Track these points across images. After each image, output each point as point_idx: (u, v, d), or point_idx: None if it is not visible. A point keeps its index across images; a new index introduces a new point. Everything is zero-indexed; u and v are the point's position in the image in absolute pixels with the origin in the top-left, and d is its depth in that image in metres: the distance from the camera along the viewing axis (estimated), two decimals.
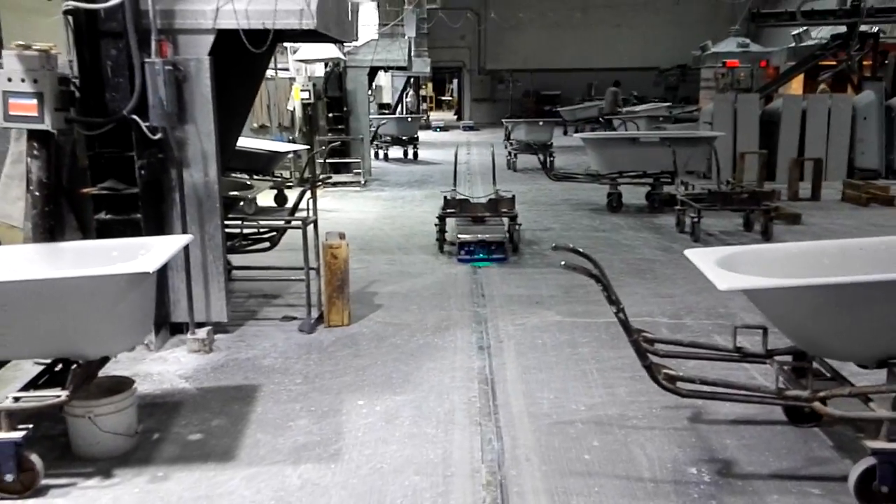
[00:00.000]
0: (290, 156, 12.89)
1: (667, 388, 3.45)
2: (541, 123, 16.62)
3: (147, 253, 3.72)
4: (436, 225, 8.30)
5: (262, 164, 11.10)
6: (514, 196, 8.46)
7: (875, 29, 19.06)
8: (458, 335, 5.55)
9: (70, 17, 5.01)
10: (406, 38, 19.16)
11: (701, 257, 3.60)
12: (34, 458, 3.39)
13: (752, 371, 4.65)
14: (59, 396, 3.45)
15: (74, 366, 3.48)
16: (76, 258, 3.88)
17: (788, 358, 3.81)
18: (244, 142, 9.62)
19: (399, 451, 3.80)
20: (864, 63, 17.34)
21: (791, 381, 3.52)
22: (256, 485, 3.48)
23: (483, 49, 33.15)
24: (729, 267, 3.54)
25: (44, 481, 3.44)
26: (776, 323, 3.45)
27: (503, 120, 18.38)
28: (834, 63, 17.42)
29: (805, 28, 20.15)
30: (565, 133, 24.22)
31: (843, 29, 16.45)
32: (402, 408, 4.30)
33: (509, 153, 16.44)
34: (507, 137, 17.11)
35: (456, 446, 3.84)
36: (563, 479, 3.51)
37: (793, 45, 21.10)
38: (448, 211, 8.36)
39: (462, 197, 8.56)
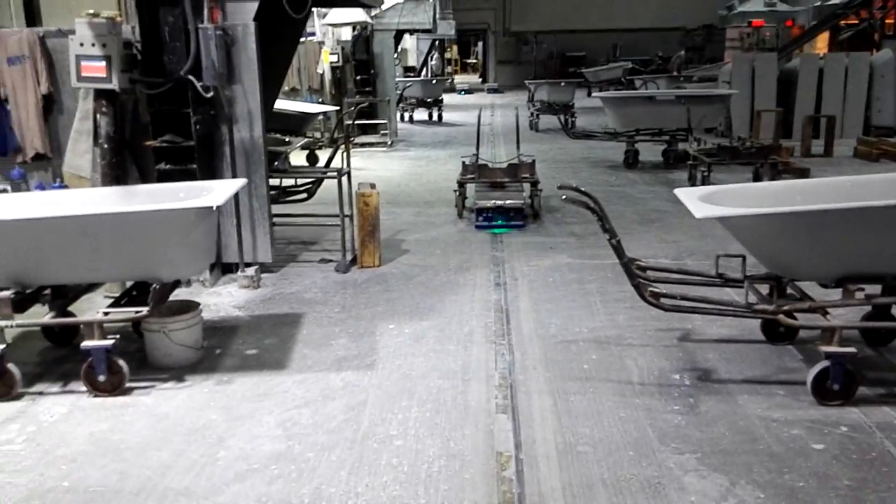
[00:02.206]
0: (321, 117, 13.47)
1: (652, 304, 4.03)
2: (563, 84, 17.00)
3: (209, 193, 4.35)
4: (455, 191, 8.28)
5: (295, 124, 11.69)
6: (534, 161, 8.43)
7: None
8: (478, 274, 6.16)
9: None
10: (431, 1, 19.52)
11: (686, 193, 4.15)
12: (121, 362, 4.08)
13: (732, 294, 5.16)
14: (140, 311, 4.12)
15: (153, 287, 4.14)
16: (149, 198, 4.52)
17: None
18: (278, 104, 10.22)
19: (425, 362, 4.44)
20: (887, 21, 17.43)
21: (763, 300, 4.09)
22: (306, 386, 4.15)
23: (508, 11, 33.25)
24: (711, 201, 4.09)
25: (128, 384, 4.14)
26: (748, 248, 4.00)
27: (526, 82, 18.75)
28: (856, 21, 17.53)
29: None
30: (589, 94, 24.45)
31: None
32: (428, 330, 4.94)
33: (532, 114, 16.87)
34: (531, 99, 17.52)
35: (473, 359, 4.47)
36: (563, 383, 4.13)
37: (818, 3, 21.11)
38: (467, 177, 8.32)
39: (482, 162, 8.53)
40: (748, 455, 3.39)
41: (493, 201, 7.65)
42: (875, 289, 4.11)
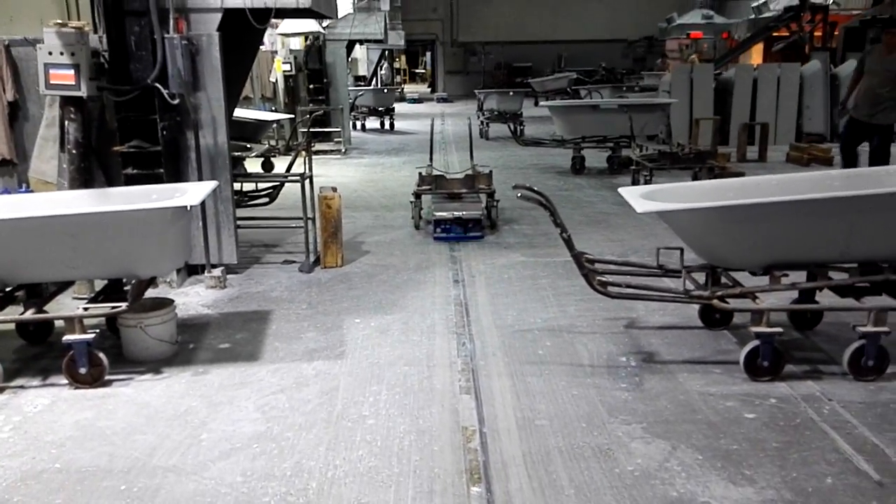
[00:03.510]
0: (275, 125, 13.63)
1: (600, 291, 4.41)
2: (511, 94, 17.46)
3: (182, 195, 4.57)
4: (411, 202, 8.21)
5: (250, 132, 11.84)
6: (491, 172, 8.37)
7: (830, 1, 20.08)
8: (437, 272, 6.47)
9: None
10: (381, 11, 19.82)
11: (629, 192, 4.53)
12: (101, 355, 4.27)
13: (672, 283, 5.54)
14: (119, 307, 4.32)
15: (133, 283, 4.34)
16: (124, 199, 4.71)
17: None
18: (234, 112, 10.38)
19: (391, 351, 4.73)
20: (816, 34, 18.40)
21: (699, 287, 4.49)
22: (280, 374, 4.39)
23: (455, 21, 33.79)
24: (652, 199, 4.48)
25: (106, 377, 4.32)
26: (685, 240, 4.40)
27: (475, 91, 19.18)
28: (787, 34, 18.44)
29: (764, 1, 21.17)
30: (536, 104, 25.02)
31: (796, 1, 17.47)
32: (392, 324, 5.22)
33: (482, 122, 17.29)
34: (480, 108, 17.94)
35: (437, 348, 4.78)
36: (521, 366, 4.46)
37: (752, 16, 22.10)
38: (423, 188, 8.19)
39: (438, 173, 8.43)
40: (688, 424, 3.76)
41: (451, 212, 7.55)
42: (801, 276, 4.57)
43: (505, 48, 33.46)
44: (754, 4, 21.71)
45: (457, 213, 7.55)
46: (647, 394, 4.10)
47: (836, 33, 18.71)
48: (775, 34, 18.97)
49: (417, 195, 8.19)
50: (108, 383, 4.30)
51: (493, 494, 3.19)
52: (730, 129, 14.30)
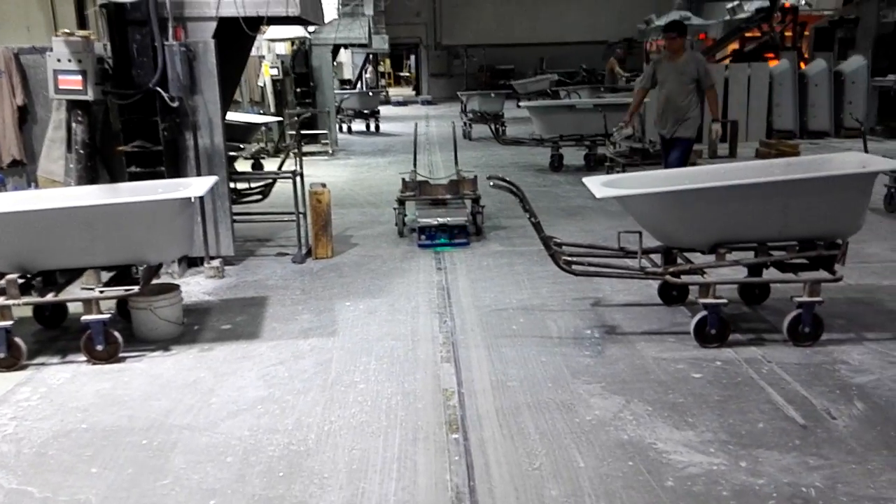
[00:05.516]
0: (263, 128, 14.07)
1: (565, 270, 4.91)
2: (493, 95, 17.98)
3: (187, 188, 5.02)
4: (395, 209, 8.03)
5: (240, 134, 12.27)
6: (476, 177, 8.07)
7: (803, 2, 20.72)
8: (421, 262, 6.95)
9: (104, 9, 6.24)
10: (365, 16, 20.30)
11: (592, 180, 5.03)
12: (116, 333, 4.72)
13: (631, 263, 6.04)
14: (131, 290, 4.77)
15: (143, 268, 4.79)
16: (132, 193, 5.16)
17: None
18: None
19: (379, 329, 5.20)
20: (786, 34, 19.02)
21: (654, 265, 4.99)
22: (279, 350, 4.86)
23: (438, 25, 34.30)
24: (613, 186, 4.98)
25: (121, 354, 4.77)
26: (641, 223, 4.90)
27: (458, 93, 19.68)
28: (759, 35, 19.06)
29: (738, 2, 21.81)
30: (518, 105, 25.52)
31: (767, 3, 18.09)
32: (380, 306, 5.70)
33: (465, 124, 17.79)
34: (463, 110, 18.44)
35: (420, 325, 5.26)
36: (496, 339, 4.95)
37: (727, 18, 22.75)
38: (407, 194, 8.02)
39: (422, 178, 8.26)
40: (641, 383, 4.26)
41: (436, 219, 7.39)
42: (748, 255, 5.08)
43: (487, 51, 33.99)
44: (729, 6, 22.36)
45: (441, 220, 7.39)
46: (608, 359, 4.59)
47: (805, 34, 19.35)
48: (748, 34, 19.58)
49: (401, 202, 7.99)
50: (122, 359, 4.75)
51: (469, 440, 3.68)
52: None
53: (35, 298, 4.73)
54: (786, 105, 15.60)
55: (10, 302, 4.56)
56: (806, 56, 18.35)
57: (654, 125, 8.38)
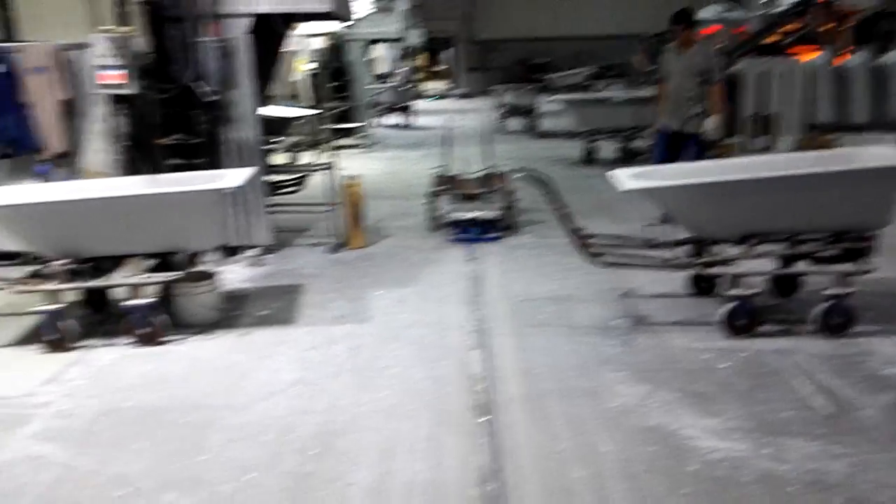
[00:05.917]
0: (301, 121, 14.28)
1: (592, 261, 4.96)
2: (528, 89, 18.02)
3: (223, 179, 5.18)
4: (426, 203, 8.01)
5: (277, 127, 12.51)
6: (508, 171, 7.85)
7: None
8: (452, 252, 7.06)
9: (143, 6, 6.44)
10: (400, 11, 20.42)
11: (619, 173, 5.08)
12: (159, 317, 4.90)
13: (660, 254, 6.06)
14: (177, 275, 4.96)
15: (188, 253, 4.98)
16: (172, 184, 5.34)
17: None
18: (260, 110, 11.02)
19: (410, 317, 5.33)
20: (826, 27, 18.70)
21: (684, 256, 5.03)
22: (313, 335, 5.01)
23: (474, 19, 34.30)
24: (641, 179, 5.02)
25: (163, 338, 4.96)
26: (671, 214, 4.94)
27: (493, 87, 19.72)
28: (796, 29, 18.77)
29: None
30: (553, 98, 25.43)
31: None
32: (410, 295, 5.82)
33: (499, 117, 17.83)
34: (498, 103, 18.46)
35: (450, 314, 5.37)
36: (524, 328, 5.04)
37: (763, 12, 22.41)
38: (439, 189, 7.96)
39: (454, 173, 8.22)
40: (668, 372, 4.32)
41: (468, 213, 7.39)
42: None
43: (523, 45, 33.91)
44: (762, 1, 22.02)
45: (473, 214, 7.37)
46: (635, 349, 4.65)
47: (845, 27, 18.99)
48: (787, 28, 19.29)
49: (433, 195, 7.96)
50: (164, 343, 4.94)
51: (495, 424, 3.78)
52: (738, 121, 14.71)
53: (81, 283, 4.93)
54: (825, 98, 15.35)
55: (59, 287, 4.77)
56: (846, 49, 18.02)
57: (658, 116, 7.99)
